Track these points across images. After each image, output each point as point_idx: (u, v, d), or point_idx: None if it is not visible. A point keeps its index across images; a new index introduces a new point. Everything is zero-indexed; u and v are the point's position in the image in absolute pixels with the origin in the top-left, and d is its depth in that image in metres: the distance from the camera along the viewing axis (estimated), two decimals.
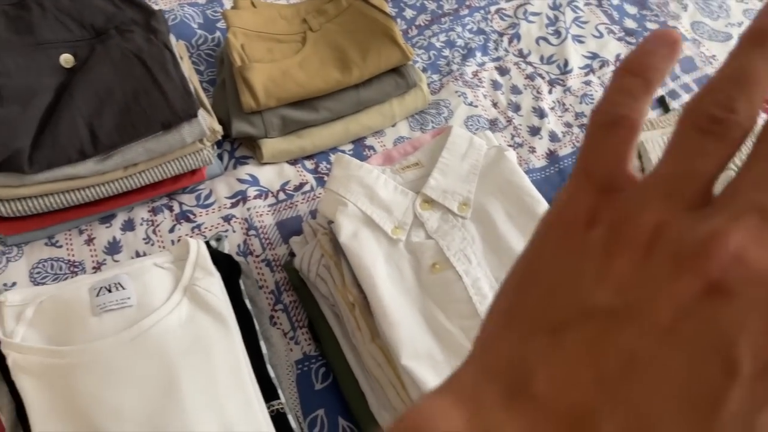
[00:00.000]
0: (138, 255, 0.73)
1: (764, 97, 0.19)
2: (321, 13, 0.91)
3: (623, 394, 0.17)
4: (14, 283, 0.69)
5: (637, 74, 0.21)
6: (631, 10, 1.10)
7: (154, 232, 0.75)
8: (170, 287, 0.57)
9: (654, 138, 0.70)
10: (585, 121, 0.92)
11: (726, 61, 0.19)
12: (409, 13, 1.05)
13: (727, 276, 0.17)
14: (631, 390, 0.17)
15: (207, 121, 0.73)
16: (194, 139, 0.72)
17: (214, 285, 0.57)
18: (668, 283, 0.17)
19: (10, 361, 0.51)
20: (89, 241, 0.73)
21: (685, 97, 0.96)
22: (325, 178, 0.82)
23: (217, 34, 0.97)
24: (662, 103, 0.95)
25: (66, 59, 0.68)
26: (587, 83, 0.97)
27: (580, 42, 1.03)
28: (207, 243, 0.62)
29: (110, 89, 0.67)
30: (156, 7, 0.80)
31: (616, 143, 0.20)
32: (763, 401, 0.17)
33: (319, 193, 0.81)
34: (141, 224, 0.75)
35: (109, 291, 0.55)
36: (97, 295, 0.54)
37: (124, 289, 0.55)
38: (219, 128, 0.75)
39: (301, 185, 0.81)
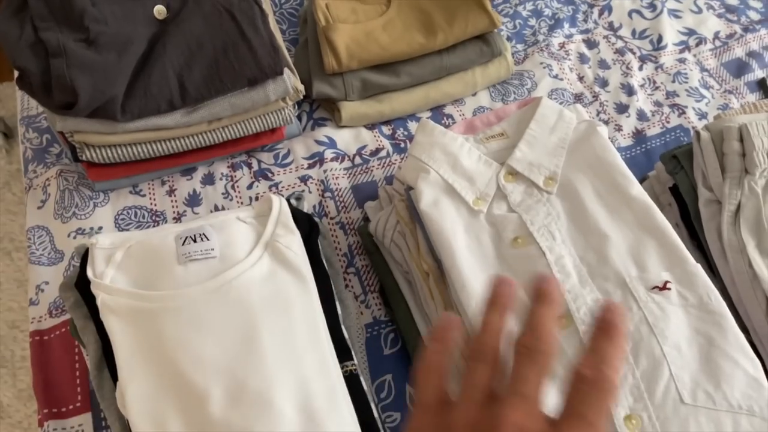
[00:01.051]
0: (217, 209, 0.74)
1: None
2: None
3: None
4: (100, 228, 0.71)
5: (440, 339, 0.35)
6: None
7: (232, 187, 0.76)
8: (252, 242, 0.57)
9: (759, 120, 0.65)
10: (677, 100, 0.87)
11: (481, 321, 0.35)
12: None
13: None
14: None
15: (291, 80, 0.73)
16: (278, 97, 0.72)
17: (294, 242, 0.58)
18: None
19: (99, 302, 0.53)
20: (171, 192, 0.75)
21: None
22: (402, 145, 0.81)
23: None
24: (763, 86, 0.89)
25: (159, 10, 0.69)
26: (681, 61, 0.92)
27: (677, 17, 0.97)
28: (288, 201, 0.62)
29: (200, 42, 0.68)
30: None
31: (438, 381, 0.34)
32: None
33: (395, 160, 0.80)
34: (220, 179, 0.76)
35: (195, 241, 0.55)
36: (183, 244, 0.55)
37: (208, 240, 0.56)
38: (301, 88, 0.75)
39: (378, 150, 0.81)
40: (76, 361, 0.63)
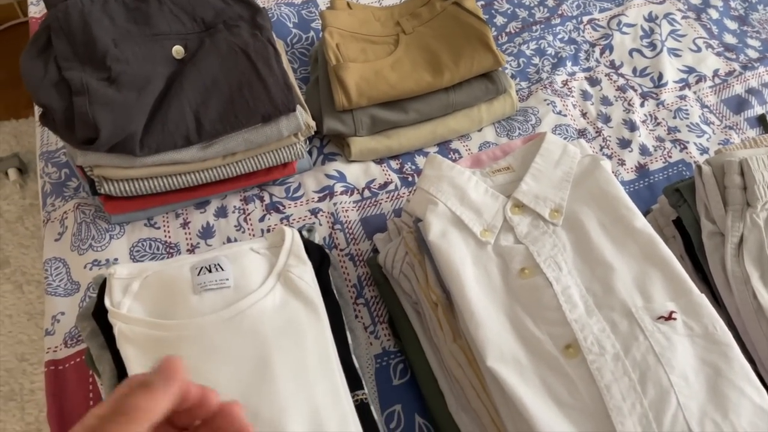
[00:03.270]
0: (229, 240, 0.76)
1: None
2: (415, 16, 0.92)
3: None
4: (116, 259, 0.73)
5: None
6: (731, 25, 1.06)
7: (245, 220, 0.78)
8: (265, 272, 0.59)
9: (759, 155, 0.67)
10: (678, 135, 0.89)
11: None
12: (499, 20, 1.05)
13: None
14: None
15: (303, 116, 0.75)
16: (290, 133, 0.74)
17: (306, 273, 0.59)
18: None
19: (116, 331, 0.54)
20: (185, 224, 0.77)
21: None
22: (410, 179, 0.83)
23: (311, 33, 1.00)
24: (762, 122, 0.91)
25: (177, 50, 0.72)
26: (682, 98, 0.94)
27: (676, 55, 1.00)
28: (299, 232, 0.63)
29: (216, 81, 0.70)
30: None
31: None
32: None
33: (403, 193, 0.82)
34: (233, 212, 0.78)
35: (210, 271, 0.57)
36: (198, 275, 0.57)
37: (223, 270, 0.57)
38: (313, 123, 0.78)
39: (386, 184, 0.82)
40: (90, 390, 0.64)
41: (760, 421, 0.50)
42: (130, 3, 0.72)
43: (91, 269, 0.72)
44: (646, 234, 0.61)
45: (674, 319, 0.55)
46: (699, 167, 0.69)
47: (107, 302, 0.56)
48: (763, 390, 0.52)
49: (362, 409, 0.55)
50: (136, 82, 0.67)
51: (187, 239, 0.76)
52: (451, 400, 0.61)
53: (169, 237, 0.76)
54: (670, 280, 0.58)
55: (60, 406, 0.63)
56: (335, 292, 0.63)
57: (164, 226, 0.77)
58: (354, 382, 0.56)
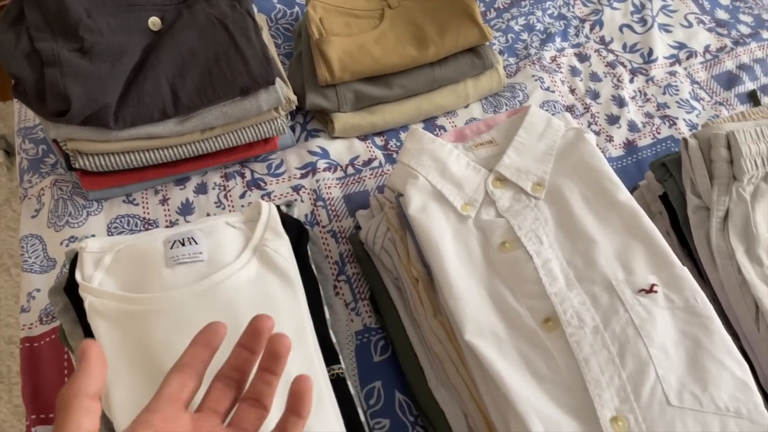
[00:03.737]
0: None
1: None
2: None
3: None
4: (93, 235, 0.72)
5: None
6: (724, 0, 1.04)
7: (225, 196, 0.76)
8: (240, 246, 0.58)
9: (746, 128, 0.66)
10: (667, 112, 0.88)
11: None
12: None
13: None
14: None
15: (283, 90, 0.74)
16: (270, 107, 0.73)
17: (282, 247, 0.58)
18: None
19: (86, 305, 0.53)
20: (164, 201, 0.76)
21: None
22: (394, 155, 0.82)
23: (296, 9, 0.98)
24: (753, 97, 0.90)
25: (154, 22, 0.70)
26: (672, 74, 0.93)
27: (667, 31, 0.99)
28: (278, 207, 0.62)
29: (194, 53, 0.69)
30: None
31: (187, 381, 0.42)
32: None
33: (388, 170, 0.80)
34: (213, 188, 0.77)
35: (183, 245, 0.56)
36: (171, 248, 0.56)
37: (196, 243, 0.56)
38: (294, 98, 0.76)
39: (370, 161, 0.81)
40: (65, 367, 0.63)
41: (741, 394, 0.49)
42: None
43: (67, 245, 0.71)
44: (629, 207, 0.60)
45: (655, 291, 0.54)
46: (685, 141, 0.68)
47: (78, 276, 0.55)
48: (745, 363, 0.51)
49: (338, 384, 0.54)
50: (110, 53, 0.65)
51: (166, 216, 0.74)
52: (431, 376, 0.60)
53: (148, 213, 0.75)
54: (652, 253, 0.57)
55: (34, 383, 0.62)
56: (314, 266, 0.62)
57: (143, 202, 0.75)
58: (330, 356, 0.55)
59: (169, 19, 0.71)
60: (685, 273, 0.55)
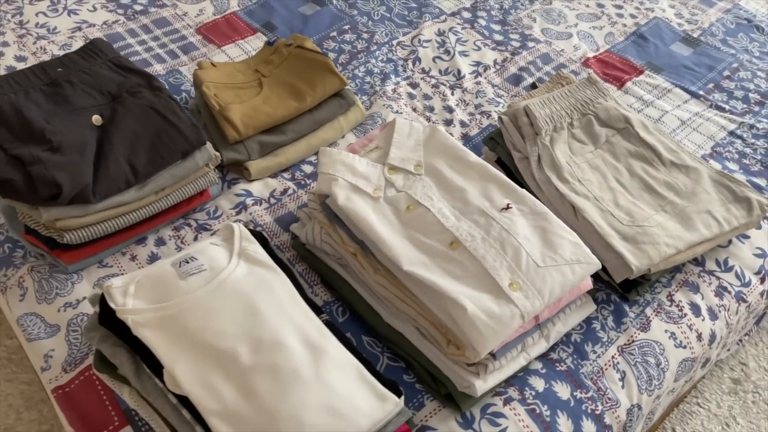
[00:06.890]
0: None
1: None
2: (268, 62, 1.16)
3: None
4: (84, 297, 0.86)
5: None
6: (496, 27, 1.43)
7: (182, 242, 0.94)
8: (228, 255, 0.77)
9: (534, 101, 0.99)
10: (483, 109, 1.21)
11: None
12: (331, 55, 1.32)
13: None
14: None
15: (210, 149, 0.95)
16: (204, 163, 0.93)
17: (258, 248, 0.79)
18: None
19: (130, 322, 0.69)
20: (133, 258, 0.92)
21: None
22: (302, 182, 1.05)
23: (183, 95, 1.19)
24: (533, 87, 1.27)
25: (96, 119, 0.88)
26: (478, 83, 1.27)
27: (465, 55, 1.34)
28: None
29: (138, 134, 0.88)
30: None
31: None
32: None
33: (301, 194, 1.04)
34: (170, 240, 0.95)
35: (187, 262, 0.75)
36: (180, 266, 0.74)
37: (197, 259, 0.75)
38: (218, 154, 0.97)
39: (285, 191, 1.04)
40: (102, 394, 0.77)
41: (577, 249, 0.79)
42: (46, 89, 0.88)
43: (65, 311, 0.85)
44: (479, 164, 0.89)
45: (510, 208, 0.83)
46: (501, 118, 1.00)
47: (112, 305, 0.71)
48: (574, 233, 0.81)
49: (329, 325, 0.75)
50: (75, 146, 0.83)
51: (139, 268, 0.90)
52: (384, 313, 0.84)
53: (123, 270, 0.90)
54: (502, 187, 0.86)
55: (80, 415, 0.75)
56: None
57: (116, 264, 0.91)
58: (316, 309, 0.76)
59: (107, 115, 0.90)
60: (525, 192, 0.85)
